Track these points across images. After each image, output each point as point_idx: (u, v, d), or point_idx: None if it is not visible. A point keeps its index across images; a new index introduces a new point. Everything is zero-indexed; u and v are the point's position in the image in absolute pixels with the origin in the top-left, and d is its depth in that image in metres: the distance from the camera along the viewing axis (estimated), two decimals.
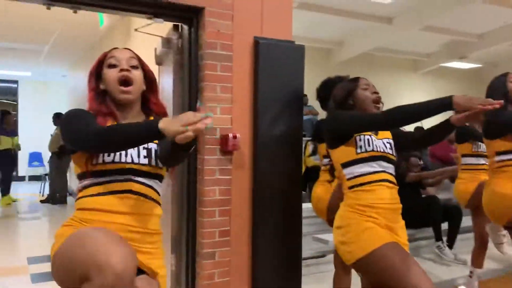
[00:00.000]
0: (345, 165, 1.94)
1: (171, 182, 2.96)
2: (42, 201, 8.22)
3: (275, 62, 2.97)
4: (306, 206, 4.37)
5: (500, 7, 7.99)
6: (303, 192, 5.66)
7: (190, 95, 2.91)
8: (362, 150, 1.89)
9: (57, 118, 7.80)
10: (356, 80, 2.06)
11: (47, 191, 8.50)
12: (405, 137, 2.07)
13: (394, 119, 1.77)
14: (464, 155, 3.50)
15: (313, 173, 4.76)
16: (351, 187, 1.91)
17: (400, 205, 1.95)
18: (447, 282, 3.87)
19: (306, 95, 7.88)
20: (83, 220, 1.48)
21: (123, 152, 1.51)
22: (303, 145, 5.41)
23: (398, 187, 1.97)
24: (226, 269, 2.86)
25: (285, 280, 3.01)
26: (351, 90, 2.01)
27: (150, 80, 1.68)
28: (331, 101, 2.11)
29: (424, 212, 4.39)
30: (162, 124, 1.28)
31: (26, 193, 9.48)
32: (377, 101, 1.99)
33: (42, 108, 11.44)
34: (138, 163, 1.54)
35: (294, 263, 3.07)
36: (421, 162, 4.83)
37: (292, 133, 3.04)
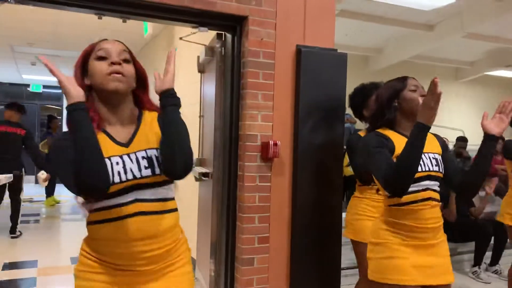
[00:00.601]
0: None
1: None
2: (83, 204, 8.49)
3: (317, 70, 2.97)
4: (344, 215, 4.35)
5: None
6: (343, 201, 5.61)
7: (232, 102, 2.95)
8: None
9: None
10: (404, 79, 1.90)
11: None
12: (449, 179, 1.91)
13: (398, 181, 1.67)
14: None
15: (351, 183, 4.72)
16: (391, 205, 1.83)
17: (442, 222, 1.86)
18: None
19: None
20: (92, 253, 1.42)
21: (121, 170, 1.36)
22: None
23: (441, 203, 1.89)
24: (264, 276, 2.87)
25: None
26: (399, 90, 1.87)
27: (141, 78, 1.49)
28: (375, 102, 1.96)
29: (473, 235, 4.28)
30: None
31: (69, 195, 9.82)
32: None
33: None
34: (141, 177, 1.39)
35: (332, 272, 3.04)
36: None
37: (333, 141, 3.03)
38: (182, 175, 1.40)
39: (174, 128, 1.37)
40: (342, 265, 3.72)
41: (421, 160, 1.77)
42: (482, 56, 10.80)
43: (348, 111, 6.46)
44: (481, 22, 7.96)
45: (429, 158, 1.84)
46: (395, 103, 1.86)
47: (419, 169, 1.75)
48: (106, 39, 1.47)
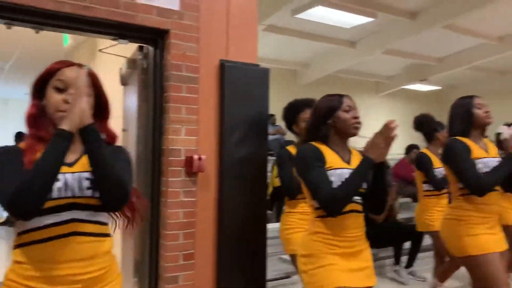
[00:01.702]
0: None
1: None
2: (0, 224, 7.87)
3: (241, 84, 2.98)
4: (272, 226, 4.37)
5: (458, 33, 8.37)
6: (270, 212, 5.66)
7: (155, 116, 2.88)
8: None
9: (19, 137, 7.56)
10: (341, 98, 1.94)
11: (5, 214, 8.15)
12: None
13: (337, 204, 1.80)
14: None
15: (280, 194, 4.77)
16: (319, 217, 1.89)
17: (364, 230, 1.95)
18: None
19: (274, 115, 7.97)
20: (21, 281, 1.31)
21: (62, 186, 1.32)
22: (271, 165, 5.45)
23: (364, 213, 1.96)
24: None
25: None
26: (334, 109, 1.91)
27: (103, 108, 1.48)
28: (312, 116, 2.00)
29: (389, 236, 4.50)
30: None
31: None
32: (356, 127, 1.92)
33: (3, 126, 11.06)
34: (81, 196, 1.35)
35: (259, 285, 3.04)
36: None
37: (257, 154, 3.04)
38: (117, 207, 1.41)
39: (101, 165, 1.33)
40: (269, 277, 3.75)
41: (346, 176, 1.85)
42: (400, 71, 11.52)
43: (279, 122, 6.51)
44: (399, 39, 8.49)
45: None
46: (330, 121, 1.92)
47: None
48: (72, 66, 1.43)
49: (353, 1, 6.61)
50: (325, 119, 1.92)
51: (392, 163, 7.38)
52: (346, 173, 1.84)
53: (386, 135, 1.75)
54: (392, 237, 4.55)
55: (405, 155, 6.73)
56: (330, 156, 1.89)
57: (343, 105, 1.92)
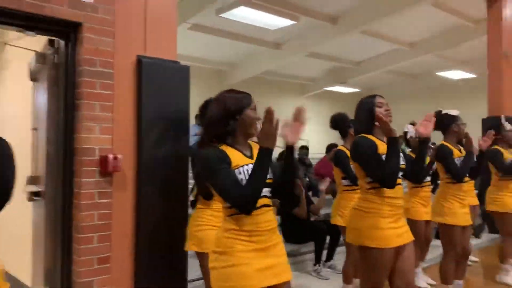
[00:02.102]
0: None
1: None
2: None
3: (159, 81, 2.90)
4: None
5: (375, 38, 8.84)
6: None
7: (66, 113, 2.71)
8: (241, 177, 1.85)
9: None
10: (249, 97, 1.94)
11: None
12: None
13: (248, 201, 1.81)
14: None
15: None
16: (231, 215, 1.88)
17: (276, 225, 1.98)
18: None
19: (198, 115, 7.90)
20: None
21: None
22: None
23: (273, 207, 2.00)
24: None
25: None
26: (242, 107, 1.90)
27: None
28: (216, 108, 1.93)
29: (311, 235, 4.65)
30: None
31: None
32: (257, 128, 1.92)
33: None
34: None
35: (179, 286, 2.98)
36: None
37: (177, 154, 2.98)
38: None
39: None
40: (191, 277, 3.68)
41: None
42: (322, 74, 11.95)
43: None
44: (321, 42, 8.79)
45: None
46: (237, 117, 1.90)
47: None
48: None
49: (276, 3, 6.73)
50: (233, 115, 1.90)
51: (314, 162, 7.64)
52: (252, 168, 1.85)
53: (270, 120, 1.75)
54: (313, 233, 4.68)
55: (326, 154, 6.97)
56: (234, 155, 1.88)
57: (252, 104, 1.93)
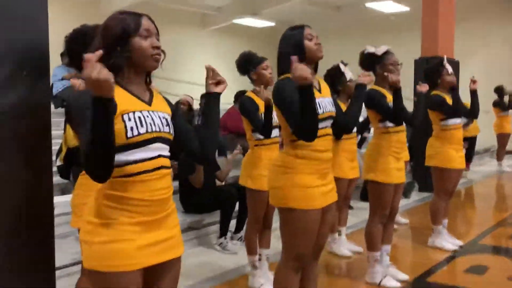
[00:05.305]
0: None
1: None
2: None
3: (5, 3, 2.58)
4: (67, 199, 4.12)
5: None
6: (67, 181, 5.30)
7: None
8: (134, 134, 1.79)
9: None
10: (138, 19, 1.83)
11: None
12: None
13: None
14: None
15: (78, 156, 4.47)
16: (116, 177, 1.81)
17: (171, 192, 1.95)
18: (234, 270, 4.18)
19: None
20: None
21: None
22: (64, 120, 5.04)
23: (170, 170, 1.95)
24: None
25: None
26: (129, 33, 1.80)
27: None
28: (100, 36, 1.82)
29: (218, 202, 4.71)
30: None
31: None
32: (156, 58, 1.84)
33: None
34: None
35: (46, 274, 2.80)
36: None
37: (36, 104, 2.72)
38: None
39: None
40: (64, 262, 3.56)
41: (151, 122, 1.83)
42: (229, 2, 11.74)
43: None
44: None
45: (160, 117, 1.88)
46: (125, 47, 1.79)
47: (149, 129, 1.81)
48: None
49: None
50: (116, 45, 1.78)
51: (221, 114, 7.58)
52: (147, 115, 1.83)
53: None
54: (219, 201, 4.69)
55: (234, 103, 6.92)
56: (123, 98, 1.78)
57: (140, 29, 1.81)
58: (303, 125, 2.43)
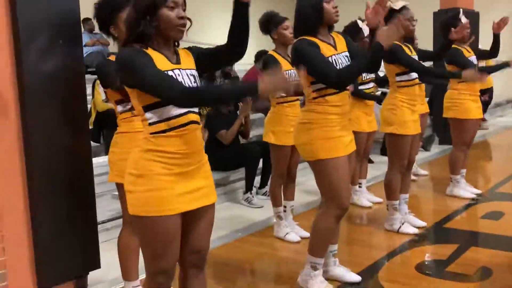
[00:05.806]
0: (147, 108, 1.97)
1: None
2: None
3: None
4: (102, 159, 4.31)
5: None
6: (98, 144, 5.52)
7: None
8: None
9: None
10: None
11: None
12: None
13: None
14: None
15: (108, 119, 4.64)
16: (153, 133, 1.99)
17: (203, 145, 2.13)
18: (262, 222, 4.40)
19: (90, 19, 7.43)
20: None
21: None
22: (92, 84, 5.20)
23: (201, 125, 2.12)
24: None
25: (80, 251, 2.96)
26: (157, 4, 1.92)
27: None
28: (131, 9, 1.98)
29: (241, 159, 4.90)
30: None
31: None
32: (181, 30, 1.98)
33: None
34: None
35: (88, 229, 3.02)
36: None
37: (71, 68, 2.88)
38: None
39: None
40: (102, 218, 3.77)
41: (179, 79, 1.99)
42: None
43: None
44: None
45: (188, 75, 2.04)
46: (151, 18, 1.92)
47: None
48: None
49: None
50: (145, 15, 1.92)
51: (241, 74, 7.66)
52: (180, 74, 1.98)
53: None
54: (243, 158, 4.86)
55: (255, 63, 7.01)
56: (157, 59, 1.95)
57: (168, 0, 1.93)
58: (347, 74, 2.66)
